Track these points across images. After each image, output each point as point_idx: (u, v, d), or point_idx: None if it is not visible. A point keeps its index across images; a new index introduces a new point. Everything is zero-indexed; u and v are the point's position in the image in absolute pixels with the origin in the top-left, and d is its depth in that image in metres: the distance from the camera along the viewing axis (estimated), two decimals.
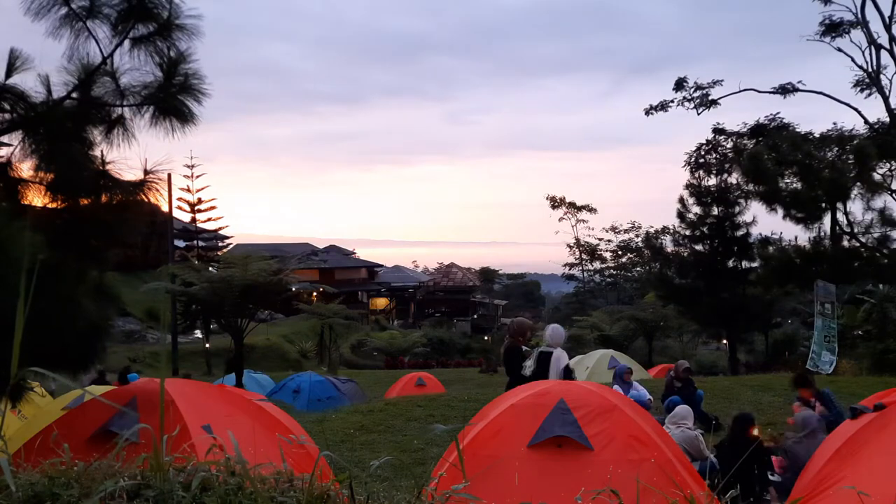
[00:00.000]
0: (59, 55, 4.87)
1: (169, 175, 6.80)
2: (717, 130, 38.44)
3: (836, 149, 24.41)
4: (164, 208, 23.77)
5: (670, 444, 5.26)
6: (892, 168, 24.69)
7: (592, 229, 73.99)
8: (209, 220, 45.27)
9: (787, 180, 22.30)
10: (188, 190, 43.80)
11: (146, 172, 5.23)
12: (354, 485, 1.72)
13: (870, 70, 29.41)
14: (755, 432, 7.26)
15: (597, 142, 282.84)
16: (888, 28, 28.23)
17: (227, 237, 50.41)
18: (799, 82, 33.26)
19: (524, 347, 8.16)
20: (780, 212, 22.03)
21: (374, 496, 1.79)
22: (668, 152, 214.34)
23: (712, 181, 28.53)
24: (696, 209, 27.96)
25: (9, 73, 4.75)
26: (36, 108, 4.84)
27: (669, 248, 30.08)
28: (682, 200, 28.07)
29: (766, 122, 35.19)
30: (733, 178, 27.60)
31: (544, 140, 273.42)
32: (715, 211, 27.68)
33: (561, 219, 74.59)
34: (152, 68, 5.07)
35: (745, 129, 36.33)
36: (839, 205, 21.33)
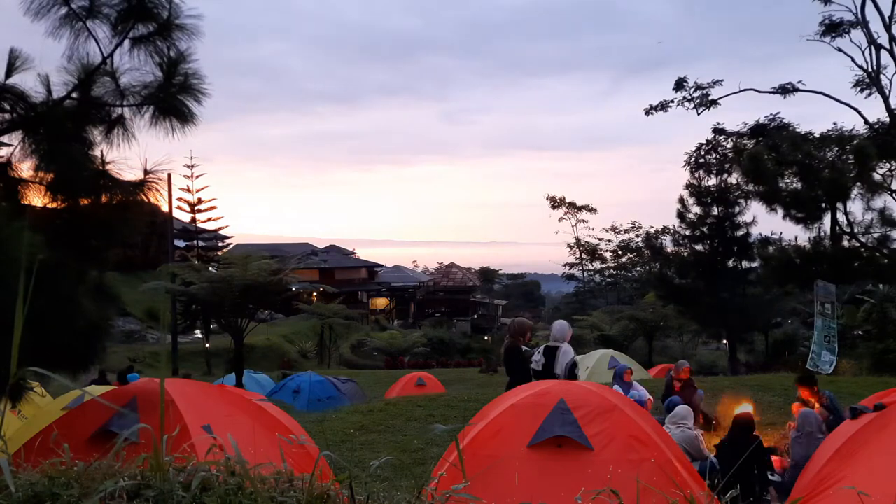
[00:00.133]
0: (59, 55, 4.87)
1: (169, 175, 6.81)
2: (717, 130, 38.44)
3: (836, 149, 24.34)
4: (164, 208, 23.81)
5: (670, 444, 5.26)
6: (892, 168, 24.64)
7: (592, 229, 74.16)
8: (209, 220, 45.43)
9: (787, 180, 22.27)
10: (188, 190, 43.94)
11: (146, 172, 5.23)
12: (354, 485, 1.72)
13: (870, 70, 29.38)
14: (751, 413, 7.24)
15: (596, 142, 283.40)
16: (888, 28, 28.19)
17: (227, 237, 50.47)
18: (799, 82, 33.23)
19: (524, 348, 8.14)
20: (780, 212, 22.00)
21: (374, 496, 1.79)
22: (667, 152, 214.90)
23: (712, 181, 28.64)
24: (696, 209, 28.02)
25: (9, 73, 4.75)
26: (36, 108, 4.84)
27: (669, 248, 30.15)
28: (682, 200, 28.14)
29: (766, 122, 35.17)
30: (733, 178, 27.70)
31: (544, 140, 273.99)
32: (715, 211, 27.72)
33: (561, 219, 74.76)
34: (152, 68, 5.07)
35: (745, 129, 36.31)
36: (839, 205, 21.29)
